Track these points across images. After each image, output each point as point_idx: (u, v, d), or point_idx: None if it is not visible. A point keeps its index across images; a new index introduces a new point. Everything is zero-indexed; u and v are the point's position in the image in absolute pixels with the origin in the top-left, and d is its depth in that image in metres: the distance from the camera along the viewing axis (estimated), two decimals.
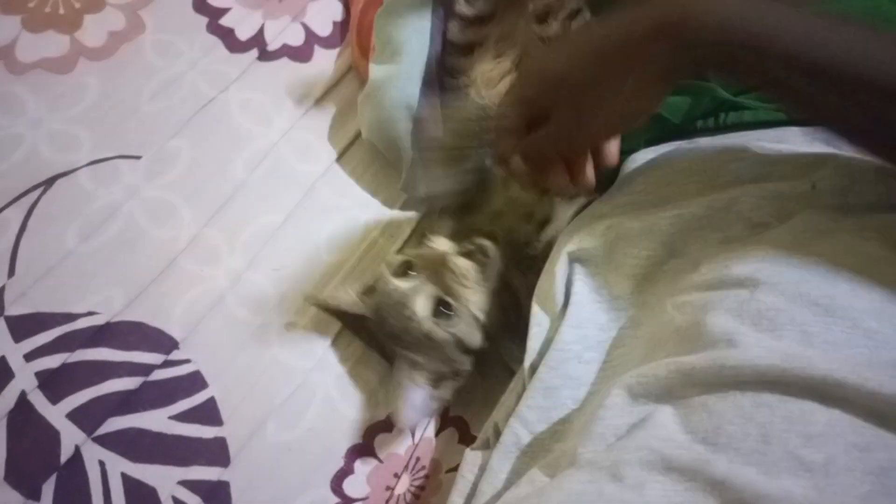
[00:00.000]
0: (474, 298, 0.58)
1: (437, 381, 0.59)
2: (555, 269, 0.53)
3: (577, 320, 0.50)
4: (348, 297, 0.62)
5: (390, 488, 0.60)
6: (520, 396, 0.53)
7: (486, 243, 0.59)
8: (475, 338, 0.58)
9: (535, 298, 0.54)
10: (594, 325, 0.50)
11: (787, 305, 0.39)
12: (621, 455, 0.37)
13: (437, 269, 0.58)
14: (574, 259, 0.53)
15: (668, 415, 0.38)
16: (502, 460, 0.48)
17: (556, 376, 0.49)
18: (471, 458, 0.52)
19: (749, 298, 0.41)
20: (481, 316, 0.58)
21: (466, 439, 0.63)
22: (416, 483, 0.61)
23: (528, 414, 0.49)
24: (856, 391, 0.35)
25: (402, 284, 0.59)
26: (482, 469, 0.50)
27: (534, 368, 0.51)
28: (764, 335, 0.39)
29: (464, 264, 0.58)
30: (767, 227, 0.47)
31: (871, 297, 0.39)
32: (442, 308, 0.58)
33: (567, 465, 0.40)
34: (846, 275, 0.40)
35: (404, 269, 0.60)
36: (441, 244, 0.59)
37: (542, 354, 0.51)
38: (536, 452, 0.47)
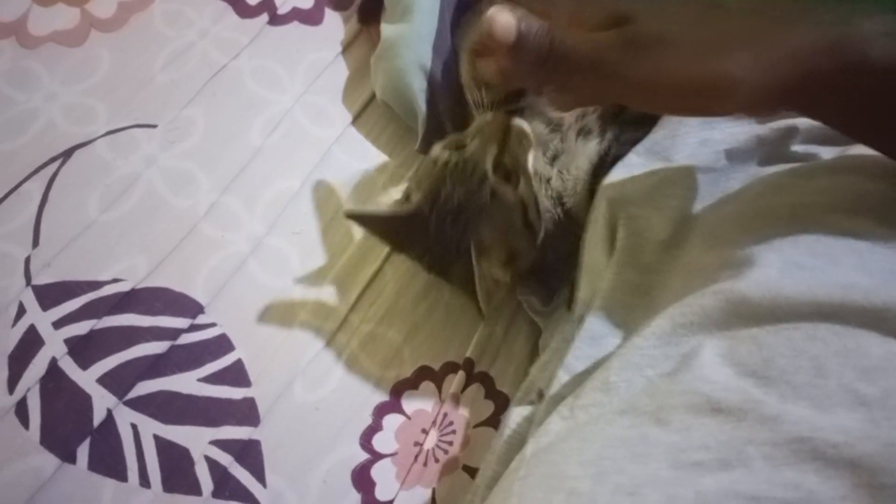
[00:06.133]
0: (536, 164, 0.56)
1: (504, 264, 0.58)
2: (598, 216, 0.52)
3: (620, 267, 0.49)
4: (378, 203, 0.61)
5: (419, 444, 0.60)
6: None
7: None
8: (542, 202, 0.56)
9: (583, 249, 0.53)
10: (636, 270, 0.49)
11: (842, 234, 0.38)
12: (665, 400, 0.36)
13: (494, 138, 0.55)
14: (615, 204, 0.52)
15: (713, 352, 0.36)
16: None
17: (601, 324, 0.48)
18: (517, 411, 0.51)
19: (802, 227, 0.39)
20: (543, 185, 0.56)
21: (492, 395, 0.63)
22: (445, 438, 0.61)
23: (575, 364, 0.48)
24: None
25: (462, 152, 0.56)
26: (528, 420, 0.50)
27: (581, 320, 0.50)
28: (821, 261, 0.37)
29: (526, 126, 0.55)
30: (817, 157, 0.46)
31: None
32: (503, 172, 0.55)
33: (594, 389, 0.39)
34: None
35: (456, 146, 0.57)
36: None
37: (588, 304, 0.50)
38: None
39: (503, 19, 0.37)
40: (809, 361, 0.33)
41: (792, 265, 0.37)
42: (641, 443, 0.34)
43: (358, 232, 0.68)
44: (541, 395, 0.52)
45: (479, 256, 0.57)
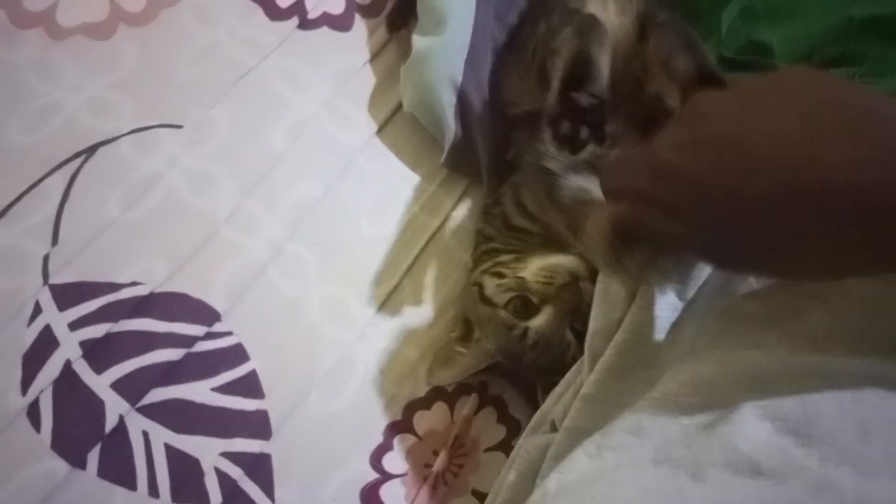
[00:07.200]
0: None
1: None
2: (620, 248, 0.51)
3: (648, 301, 0.48)
4: (462, 362, 0.62)
5: (429, 465, 0.60)
6: (577, 391, 0.52)
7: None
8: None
9: (599, 278, 0.52)
10: (667, 306, 0.48)
11: (886, 291, 0.37)
12: (703, 454, 0.35)
13: (568, 308, 0.57)
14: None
15: (754, 404, 0.35)
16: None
17: (626, 359, 0.48)
18: (530, 440, 0.52)
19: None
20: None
21: (505, 419, 0.63)
22: (456, 461, 0.60)
23: (597, 395, 0.48)
24: None
25: (536, 324, 0.58)
26: (542, 450, 0.49)
27: (592, 350, 0.50)
28: (871, 320, 0.36)
29: (590, 288, 0.56)
30: None
31: None
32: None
33: (624, 431, 0.39)
34: None
35: (522, 305, 0.59)
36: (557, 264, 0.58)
37: (607, 337, 0.50)
38: None
39: (596, 236, 0.41)
40: (855, 424, 0.33)
41: (840, 322, 0.37)
42: (677, 496, 0.34)
43: (380, 246, 0.67)
44: (554, 428, 0.52)
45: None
